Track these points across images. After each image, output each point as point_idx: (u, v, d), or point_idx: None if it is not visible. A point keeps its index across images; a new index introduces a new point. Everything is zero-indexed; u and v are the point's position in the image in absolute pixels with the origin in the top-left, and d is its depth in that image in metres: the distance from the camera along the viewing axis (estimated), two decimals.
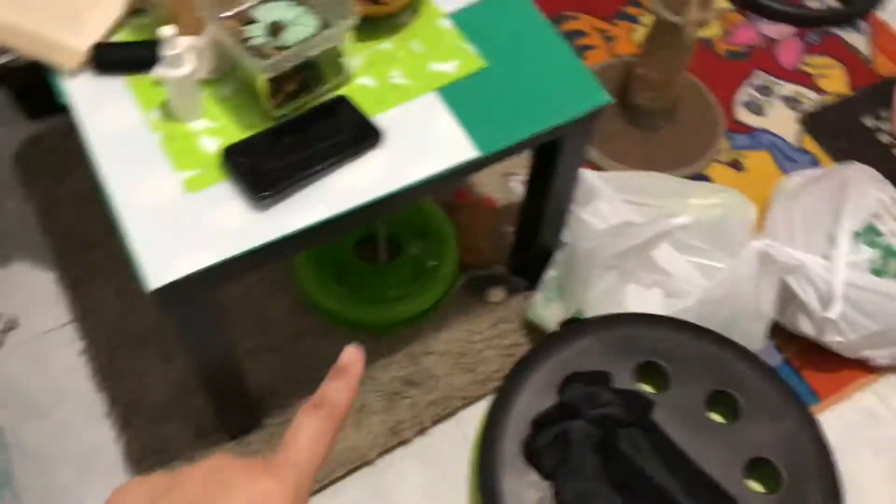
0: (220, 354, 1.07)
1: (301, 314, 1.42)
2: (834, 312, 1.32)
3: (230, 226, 0.91)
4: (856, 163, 1.59)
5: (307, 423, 0.36)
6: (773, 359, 1.48)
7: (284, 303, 1.44)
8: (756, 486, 0.81)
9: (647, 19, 1.50)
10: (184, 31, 1.00)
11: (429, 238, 1.45)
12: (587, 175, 1.38)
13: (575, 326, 0.90)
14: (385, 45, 1.07)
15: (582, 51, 1.88)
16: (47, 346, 1.41)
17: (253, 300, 1.44)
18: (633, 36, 1.91)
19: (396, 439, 1.31)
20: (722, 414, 0.85)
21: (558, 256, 1.37)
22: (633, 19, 1.94)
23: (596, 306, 1.26)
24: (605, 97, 1.06)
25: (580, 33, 1.91)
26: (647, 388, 0.86)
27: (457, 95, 1.03)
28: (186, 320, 0.97)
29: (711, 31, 1.93)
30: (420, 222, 1.46)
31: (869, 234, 1.42)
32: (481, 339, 1.41)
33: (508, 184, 1.61)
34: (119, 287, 1.44)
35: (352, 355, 0.39)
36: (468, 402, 1.36)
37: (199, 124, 0.98)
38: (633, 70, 1.63)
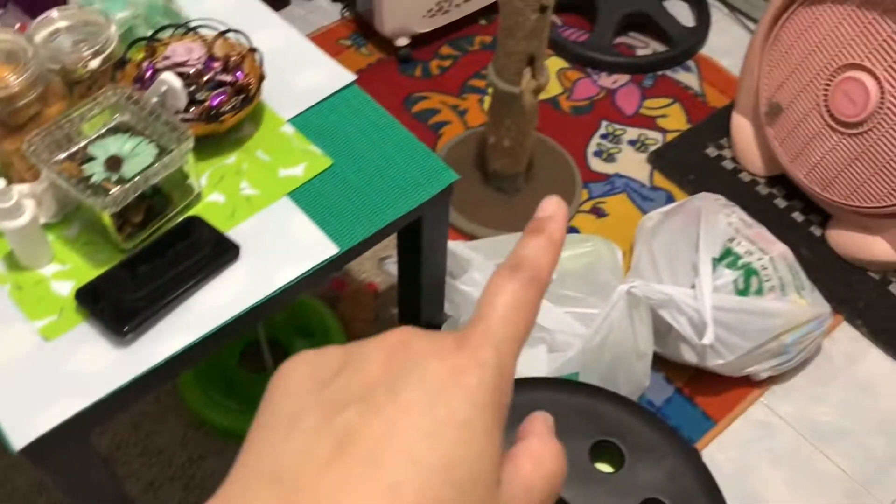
0: (109, 499, 1.03)
1: (195, 435, 1.39)
2: (708, 338, 1.39)
3: (95, 367, 0.89)
4: (705, 193, 1.69)
5: (504, 288, 0.28)
6: (665, 391, 1.54)
7: (176, 426, 1.40)
8: None
9: (492, 91, 1.57)
10: (19, 180, 0.99)
11: (313, 335, 1.45)
12: (456, 247, 1.42)
13: None
14: (230, 159, 1.09)
15: (438, 127, 1.94)
16: None
17: (143, 430, 1.40)
18: (483, 106, 1.99)
19: None
20: (608, 463, 0.87)
21: (443, 330, 1.39)
22: (479, 90, 2.03)
23: None
24: (451, 175, 1.10)
25: (433, 111, 1.98)
26: None
27: (308, 197, 1.05)
28: (64, 474, 0.94)
29: (554, 90, 2.03)
30: (302, 321, 1.46)
31: (728, 257, 1.50)
32: None
33: (384, 267, 1.63)
34: None
35: (552, 206, 0.30)
36: None
37: (48, 269, 0.96)
38: (485, 140, 1.70)
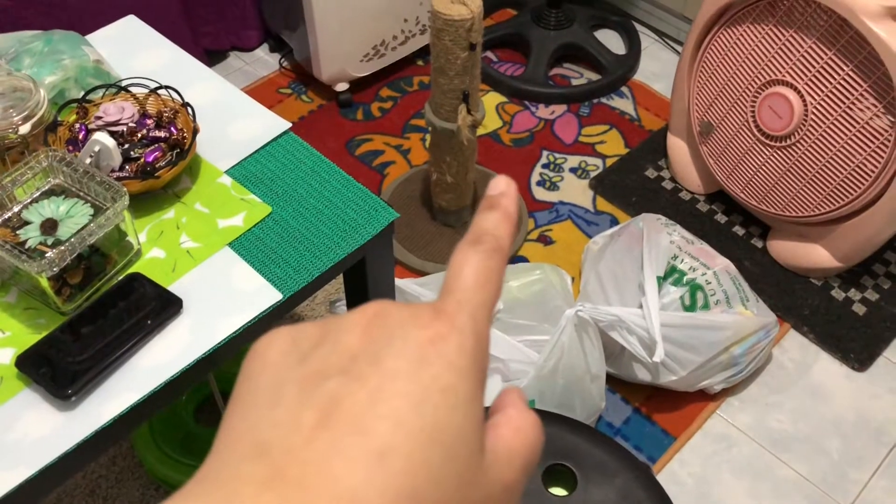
0: None
1: (155, 495, 1.37)
2: (659, 356, 1.41)
3: (39, 434, 0.88)
4: (645, 213, 1.73)
5: (469, 259, 0.29)
6: (623, 411, 1.55)
7: (133, 489, 1.38)
8: None
9: (431, 129, 1.60)
10: None
11: None
12: (405, 285, 1.43)
13: None
14: (169, 213, 1.09)
15: (383, 168, 1.96)
16: None
17: (100, 496, 1.37)
18: (425, 144, 2.02)
19: None
20: (561, 486, 0.88)
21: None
22: (421, 129, 2.06)
23: None
24: (392, 214, 1.11)
25: (377, 152, 2.00)
26: None
27: (249, 246, 1.06)
28: None
29: (494, 124, 2.07)
30: None
31: (672, 274, 1.53)
32: None
33: (335, 310, 1.63)
34: None
35: (503, 183, 0.31)
36: None
37: None
38: (429, 176, 1.72)
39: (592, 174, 1.96)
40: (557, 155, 2.00)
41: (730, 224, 1.88)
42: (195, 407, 1.42)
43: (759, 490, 1.48)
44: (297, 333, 0.28)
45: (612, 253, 1.61)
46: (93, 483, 1.38)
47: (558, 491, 0.87)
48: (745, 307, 1.53)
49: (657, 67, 2.25)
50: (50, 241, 0.95)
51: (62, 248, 0.92)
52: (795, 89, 1.59)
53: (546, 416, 0.94)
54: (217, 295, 1.01)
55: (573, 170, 1.97)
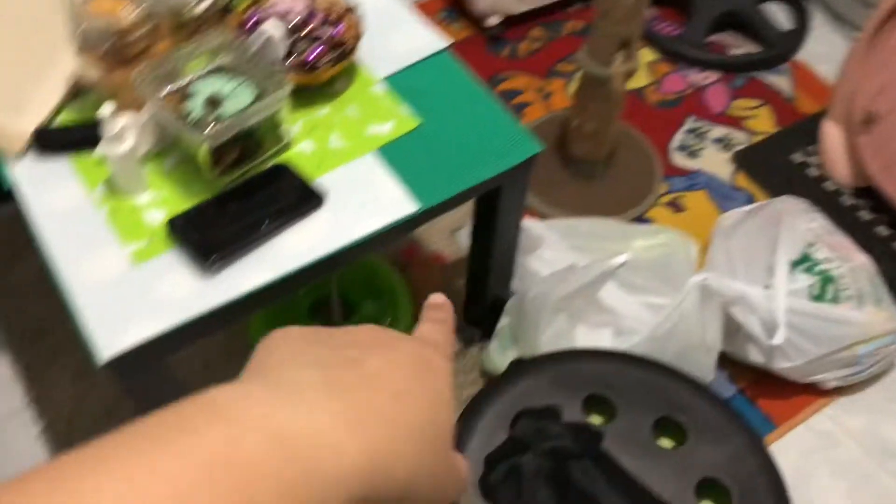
0: None
1: None
2: (779, 339, 1.36)
3: (179, 294, 0.93)
4: (788, 196, 1.66)
5: (432, 328, 0.39)
6: (727, 390, 1.52)
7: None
8: None
9: (580, 74, 1.57)
10: (124, 109, 1.03)
11: (382, 297, 1.47)
12: (531, 224, 1.43)
13: (523, 365, 0.92)
14: (322, 111, 1.11)
15: (520, 108, 1.94)
16: (4, 431, 1.39)
17: (211, 371, 1.45)
18: (568, 91, 1.99)
19: None
20: (670, 439, 0.87)
21: (509, 305, 1.40)
22: (567, 76, 2.02)
23: (547, 349, 1.29)
24: (535, 147, 1.10)
25: (517, 92, 1.99)
26: (595, 420, 0.88)
27: (394, 154, 1.07)
28: (142, 392, 0.98)
29: (642, 81, 2.01)
30: (372, 282, 1.48)
31: (805, 262, 1.47)
32: None
33: (455, 239, 1.64)
34: (74, 370, 1.44)
35: (441, 298, 0.41)
36: None
37: (143, 198, 1.00)
38: (568, 123, 1.69)
39: (736, 148, 1.89)
40: (703, 123, 1.93)
41: (873, 223, 1.78)
42: (310, 304, 1.47)
43: (859, 495, 1.42)
44: (310, 329, 0.34)
45: (745, 230, 1.55)
46: (207, 357, 1.46)
47: (666, 443, 0.86)
48: (879, 308, 1.45)
49: (824, 49, 2.13)
50: (212, 116, 0.98)
51: (224, 124, 0.96)
52: None
53: (662, 369, 0.93)
54: (356, 197, 1.03)
55: (717, 140, 1.90)
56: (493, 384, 0.89)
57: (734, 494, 0.81)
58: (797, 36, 2.14)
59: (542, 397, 0.86)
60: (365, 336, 0.34)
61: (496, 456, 0.80)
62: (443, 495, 0.33)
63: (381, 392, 0.30)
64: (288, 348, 0.32)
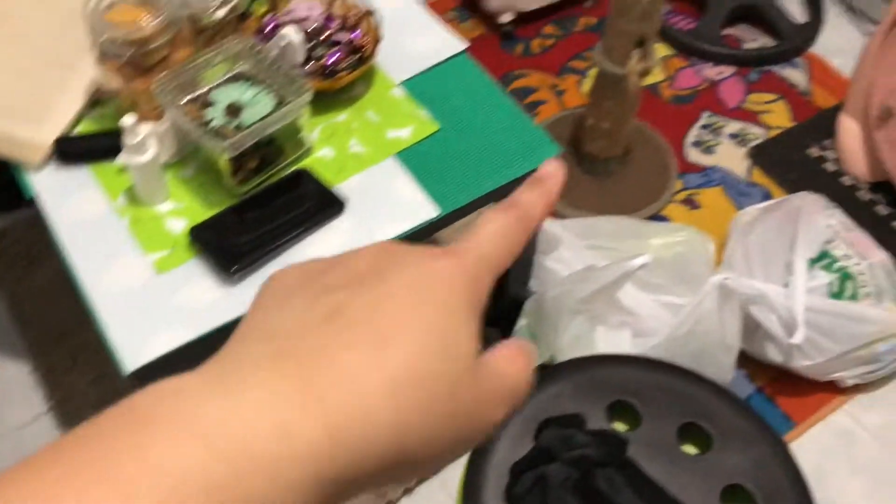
0: None
1: None
2: (798, 338, 1.36)
3: (202, 302, 0.93)
4: (806, 192, 1.65)
5: (496, 219, 0.31)
6: (746, 389, 1.51)
7: None
8: None
9: (594, 72, 1.57)
10: (144, 118, 1.03)
11: None
12: (548, 225, 1.42)
13: (546, 372, 0.93)
14: (341, 116, 1.11)
15: (534, 106, 1.94)
16: (27, 437, 1.40)
17: None
18: (581, 88, 1.98)
19: (383, 501, 1.32)
20: (694, 445, 0.87)
21: (528, 305, 1.40)
22: (580, 72, 2.02)
23: (568, 351, 1.29)
24: (554, 149, 1.10)
25: (531, 89, 1.98)
26: (620, 427, 0.88)
27: (414, 159, 1.07)
28: None
29: (656, 77, 2.00)
30: None
31: (824, 259, 1.47)
32: None
33: None
34: (94, 375, 1.45)
35: (552, 167, 0.34)
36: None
37: (165, 206, 1.01)
38: (583, 121, 1.69)
39: (752, 143, 1.88)
40: (718, 118, 1.92)
41: (891, 217, 1.78)
42: None
43: (878, 492, 1.42)
44: (310, 263, 0.30)
45: (763, 227, 1.55)
46: None
47: (691, 449, 0.87)
48: None
49: (840, 42, 2.12)
50: (233, 124, 0.99)
51: (244, 132, 0.96)
52: None
53: (685, 374, 0.93)
54: (378, 201, 1.03)
55: (732, 136, 1.89)
56: None
57: (759, 501, 0.82)
58: (812, 29, 2.13)
59: (566, 405, 0.87)
60: (365, 263, 0.29)
61: (522, 465, 0.81)
62: (462, 443, 0.28)
63: (354, 347, 0.25)
64: (265, 307, 0.29)
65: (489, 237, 0.30)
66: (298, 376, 0.25)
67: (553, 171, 0.34)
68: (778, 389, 1.52)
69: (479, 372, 0.28)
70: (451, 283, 0.28)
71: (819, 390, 1.52)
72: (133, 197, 1.01)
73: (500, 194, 1.09)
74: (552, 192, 0.33)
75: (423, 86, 1.16)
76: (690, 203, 1.77)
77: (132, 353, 0.88)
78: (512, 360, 0.30)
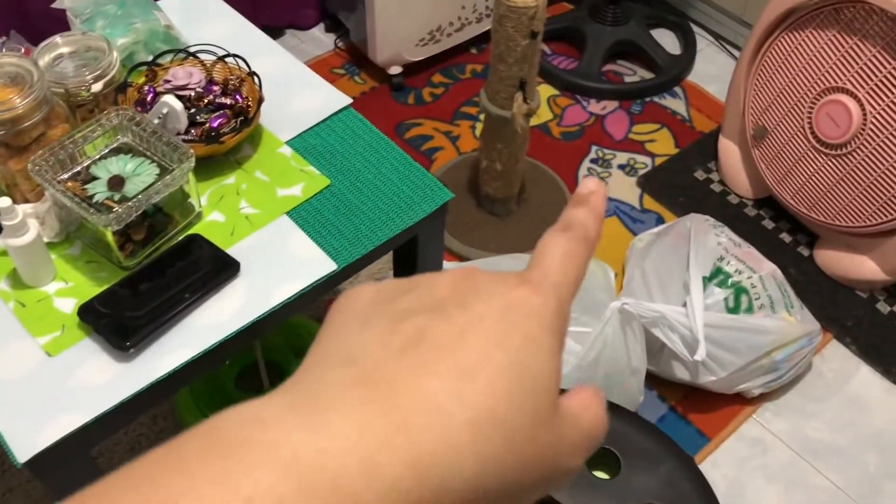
0: None
1: None
2: (700, 354, 1.40)
3: (97, 382, 0.90)
4: (694, 214, 1.72)
5: (558, 243, 0.30)
6: (658, 409, 1.55)
7: None
8: None
9: (484, 115, 1.61)
10: (24, 198, 1.01)
11: None
12: (449, 267, 1.44)
13: None
14: (230, 179, 1.11)
15: (431, 153, 1.97)
16: None
17: (139, 453, 1.40)
18: (475, 132, 2.02)
19: None
20: (605, 470, 0.88)
21: None
22: (471, 117, 2.06)
23: None
24: (446, 194, 1.12)
25: (426, 137, 2.01)
26: None
27: (307, 216, 1.07)
28: (65, 488, 0.94)
29: (545, 116, 2.07)
30: (298, 341, 1.47)
31: (718, 276, 1.53)
32: None
33: None
34: None
35: (593, 183, 0.33)
36: None
37: (52, 287, 0.98)
38: (478, 164, 1.73)
39: (641, 172, 1.95)
40: (607, 151, 1.99)
41: (777, 231, 1.87)
42: (237, 373, 1.44)
43: (793, 497, 1.47)
44: (385, 285, 0.29)
45: (658, 251, 1.61)
46: (133, 440, 1.41)
47: (601, 474, 0.88)
48: (790, 313, 1.51)
49: (712, 69, 2.24)
50: (116, 197, 0.97)
51: (128, 204, 0.94)
52: (856, 98, 1.57)
53: None
54: (273, 261, 1.03)
55: (622, 166, 1.96)
56: None
57: None
58: (686, 59, 2.24)
59: None
60: (445, 289, 0.27)
61: None
62: (539, 488, 0.26)
63: (438, 376, 0.24)
64: (341, 328, 0.27)
65: (558, 264, 0.29)
66: (382, 404, 0.24)
67: (594, 188, 0.32)
68: (689, 407, 1.56)
69: (559, 415, 0.27)
70: (536, 316, 0.27)
71: (728, 403, 1.57)
72: (17, 280, 0.97)
73: (396, 242, 1.10)
74: (599, 208, 0.32)
75: (311, 142, 1.16)
76: None
77: (24, 443, 0.84)
78: (586, 406, 0.29)
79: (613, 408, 0.94)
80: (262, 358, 1.38)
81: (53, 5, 1.18)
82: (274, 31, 2.27)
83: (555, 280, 0.29)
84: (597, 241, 0.31)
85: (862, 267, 1.72)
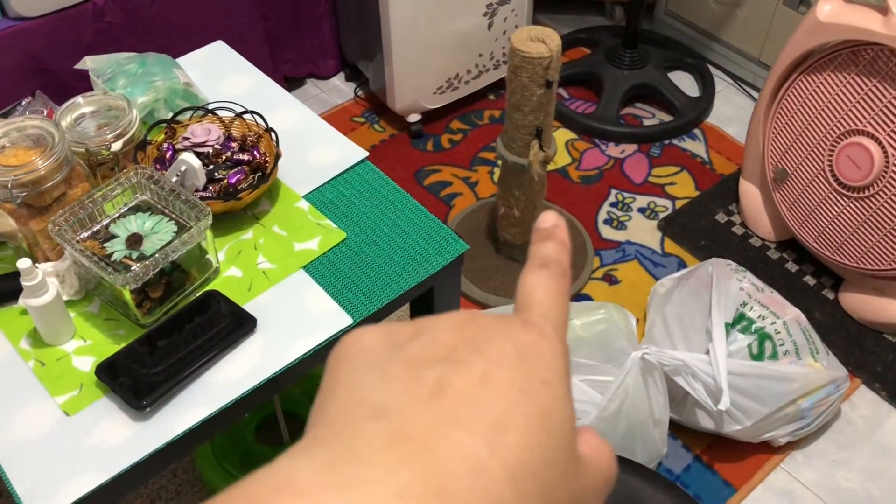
0: None
1: None
2: (724, 404, 1.38)
3: (114, 442, 0.90)
4: (716, 258, 1.71)
5: (541, 279, 0.30)
6: (683, 458, 1.52)
7: (193, 502, 1.40)
8: None
9: (501, 162, 1.61)
10: (45, 258, 1.02)
11: None
12: None
13: None
14: (248, 234, 1.12)
15: (449, 199, 1.98)
16: None
17: None
18: (493, 178, 2.03)
19: None
20: None
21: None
22: (489, 162, 2.07)
23: None
24: (461, 246, 1.12)
25: (445, 183, 2.02)
26: None
27: (323, 270, 1.08)
28: None
29: (564, 161, 2.07)
30: (315, 392, 1.46)
31: (741, 322, 1.51)
32: None
33: None
34: None
35: (553, 218, 0.32)
36: None
37: (70, 345, 0.98)
38: (496, 210, 1.73)
39: (661, 215, 1.94)
40: (626, 194, 1.99)
41: (801, 273, 1.84)
42: (256, 425, 1.44)
43: None
44: (390, 328, 0.28)
45: (679, 296, 1.59)
46: (153, 494, 1.41)
47: None
48: (815, 359, 1.49)
49: (731, 111, 2.23)
50: (135, 255, 0.98)
51: (146, 262, 0.95)
52: (877, 140, 1.56)
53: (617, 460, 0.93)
54: (290, 316, 1.03)
55: (642, 210, 1.95)
56: None
57: None
58: (705, 101, 2.24)
59: None
60: (449, 334, 0.27)
61: None
62: None
63: (471, 430, 0.24)
64: (356, 377, 0.26)
65: (549, 302, 0.29)
66: (420, 464, 0.23)
67: (555, 221, 0.32)
68: (715, 456, 1.53)
69: (580, 460, 0.27)
70: (547, 360, 0.27)
71: (754, 452, 1.54)
72: (36, 339, 0.98)
73: (411, 295, 1.10)
74: (566, 241, 0.32)
75: (327, 196, 1.17)
76: (609, 279, 1.80)
77: (41, 503, 0.84)
78: (598, 450, 0.29)
79: (631, 465, 0.92)
80: (281, 411, 1.38)
81: (76, 66, 1.21)
82: (295, 81, 2.30)
83: (553, 322, 0.28)
84: (570, 276, 0.31)
85: (889, 310, 1.69)
